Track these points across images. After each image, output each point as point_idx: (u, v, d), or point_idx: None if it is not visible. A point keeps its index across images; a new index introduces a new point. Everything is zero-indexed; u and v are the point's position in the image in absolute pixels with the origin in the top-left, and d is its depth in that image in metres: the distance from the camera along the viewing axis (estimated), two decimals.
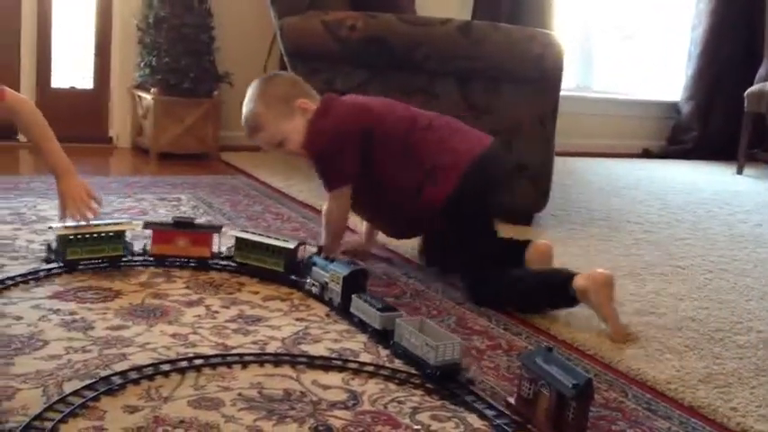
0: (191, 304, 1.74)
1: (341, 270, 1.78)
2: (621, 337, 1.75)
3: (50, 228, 1.95)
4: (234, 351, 1.51)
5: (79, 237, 1.88)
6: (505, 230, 2.68)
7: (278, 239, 1.98)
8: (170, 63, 3.48)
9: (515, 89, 2.67)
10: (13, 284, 1.73)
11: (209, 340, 1.55)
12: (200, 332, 1.59)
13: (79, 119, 3.70)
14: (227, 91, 3.71)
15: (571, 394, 1.24)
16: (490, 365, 1.57)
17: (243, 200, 2.83)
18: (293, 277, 1.92)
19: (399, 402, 1.36)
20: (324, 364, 1.49)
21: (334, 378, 1.44)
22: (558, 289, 1.84)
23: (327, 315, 1.75)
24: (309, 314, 1.75)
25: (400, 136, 2.04)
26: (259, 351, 1.52)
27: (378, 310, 1.62)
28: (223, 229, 2.11)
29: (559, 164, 2.94)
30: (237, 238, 1.99)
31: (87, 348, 1.46)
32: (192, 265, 1.99)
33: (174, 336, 1.56)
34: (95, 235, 1.90)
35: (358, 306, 1.69)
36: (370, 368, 1.48)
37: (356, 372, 1.47)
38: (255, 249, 1.96)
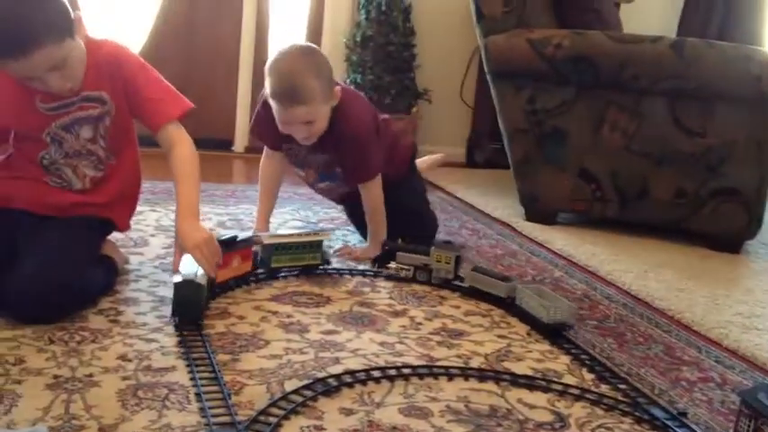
0: (396, 314, 1.80)
1: (448, 251, 2.00)
2: None
3: (177, 281, 1.59)
4: (439, 363, 1.54)
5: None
6: (712, 258, 2.58)
7: (308, 233, 2.02)
8: (374, 80, 3.62)
9: (730, 110, 2.54)
10: (235, 285, 1.87)
11: (414, 351, 1.60)
12: (406, 342, 1.64)
13: None
14: (425, 107, 3.81)
15: None
16: (702, 398, 1.50)
17: (440, 215, 2.86)
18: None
19: (608, 429, 1.34)
20: (528, 383, 1.49)
21: (539, 398, 1.44)
22: None
23: (528, 334, 1.75)
24: (510, 332, 1.76)
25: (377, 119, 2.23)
26: (463, 365, 1.55)
27: (501, 280, 1.90)
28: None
29: None
30: (266, 245, 1.94)
31: (304, 350, 1.54)
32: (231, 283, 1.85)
33: (381, 344, 1.62)
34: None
35: (476, 279, 1.94)
36: (576, 391, 1.46)
37: (561, 393, 1.46)
38: (289, 250, 1.96)
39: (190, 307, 1.58)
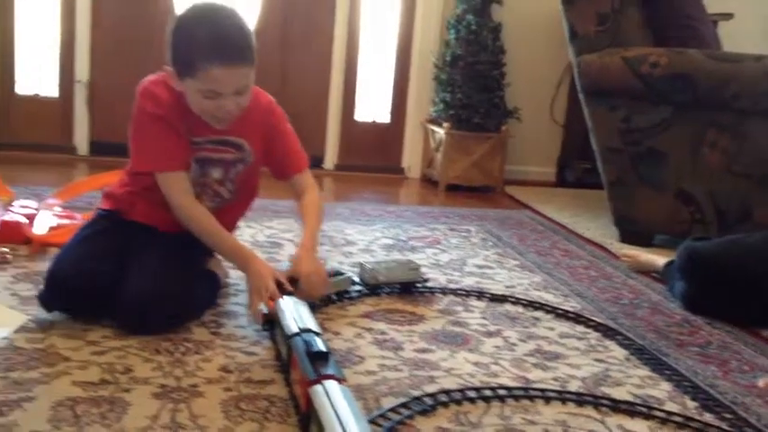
0: (489, 334, 1.79)
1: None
2: None
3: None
4: (535, 385, 1.52)
5: None
6: None
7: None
8: (463, 99, 3.62)
9: None
10: (330, 302, 1.89)
11: (510, 372, 1.58)
12: (501, 363, 1.63)
13: (377, 150, 3.97)
14: (515, 126, 3.79)
15: None
16: None
17: (530, 234, 2.85)
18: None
19: None
20: (628, 409, 1.46)
21: (639, 425, 1.40)
22: None
23: (627, 359, 1.71)
24: (608, 356, 1.72)
25: None
26: (560, 388, 1.52)
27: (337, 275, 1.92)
28: None
29: None
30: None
31: (399, 368, 1.55)
32: None
33: (476, 364, 1.60)
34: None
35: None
36: (679, 419, 1.42)
37: (663, 421, 1.42)
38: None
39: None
